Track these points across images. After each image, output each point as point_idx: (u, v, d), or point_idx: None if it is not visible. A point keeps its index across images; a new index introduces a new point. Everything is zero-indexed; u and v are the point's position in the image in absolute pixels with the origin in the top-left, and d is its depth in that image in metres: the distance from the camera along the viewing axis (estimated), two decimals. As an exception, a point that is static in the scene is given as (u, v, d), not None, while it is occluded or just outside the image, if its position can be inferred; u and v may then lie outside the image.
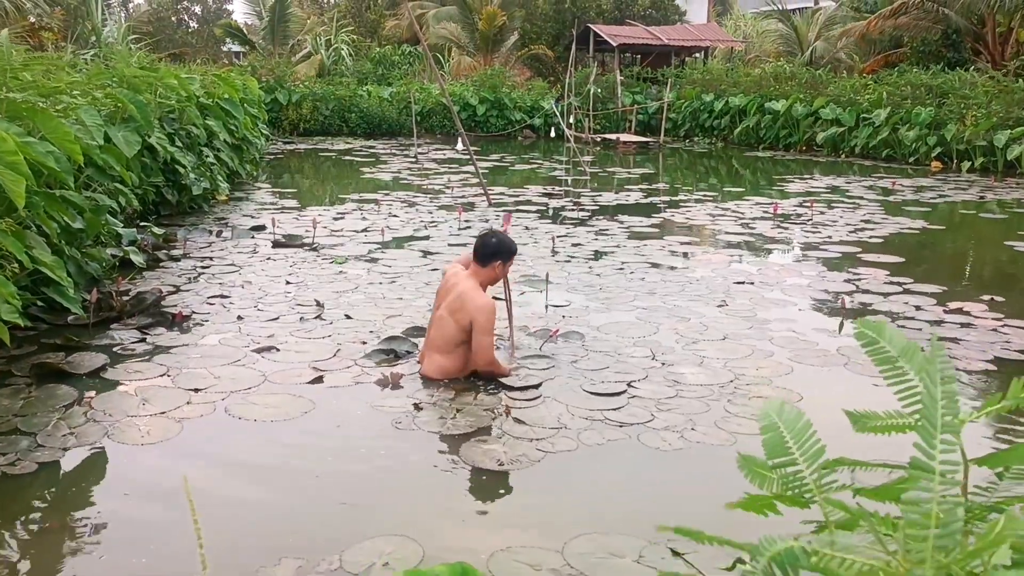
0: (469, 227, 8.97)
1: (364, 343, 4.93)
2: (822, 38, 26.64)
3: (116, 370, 4.44)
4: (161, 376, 4.36)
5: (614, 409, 4.00)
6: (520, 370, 4.46)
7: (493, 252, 4.33)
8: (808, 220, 9.88)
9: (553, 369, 4.53)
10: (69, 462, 3.45)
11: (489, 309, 4.16)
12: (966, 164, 15.34)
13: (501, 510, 3.13)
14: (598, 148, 19.97)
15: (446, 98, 11.75)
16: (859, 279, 6.92)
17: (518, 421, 3.85)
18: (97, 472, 3.40)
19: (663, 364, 4.66)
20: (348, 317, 5.49)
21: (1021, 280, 7.31)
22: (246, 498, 3.17)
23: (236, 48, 33.26)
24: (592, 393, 4.20)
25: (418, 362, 4.50)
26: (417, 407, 3.99)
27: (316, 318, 5.47)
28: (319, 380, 4.35)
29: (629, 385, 4.29)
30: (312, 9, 35.09)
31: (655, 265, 7.29)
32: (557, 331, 5.06)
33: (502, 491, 3.26)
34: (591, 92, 21.80)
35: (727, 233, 9.02)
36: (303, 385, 4.29)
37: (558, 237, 8.35)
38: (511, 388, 4.22)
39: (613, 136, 21.24)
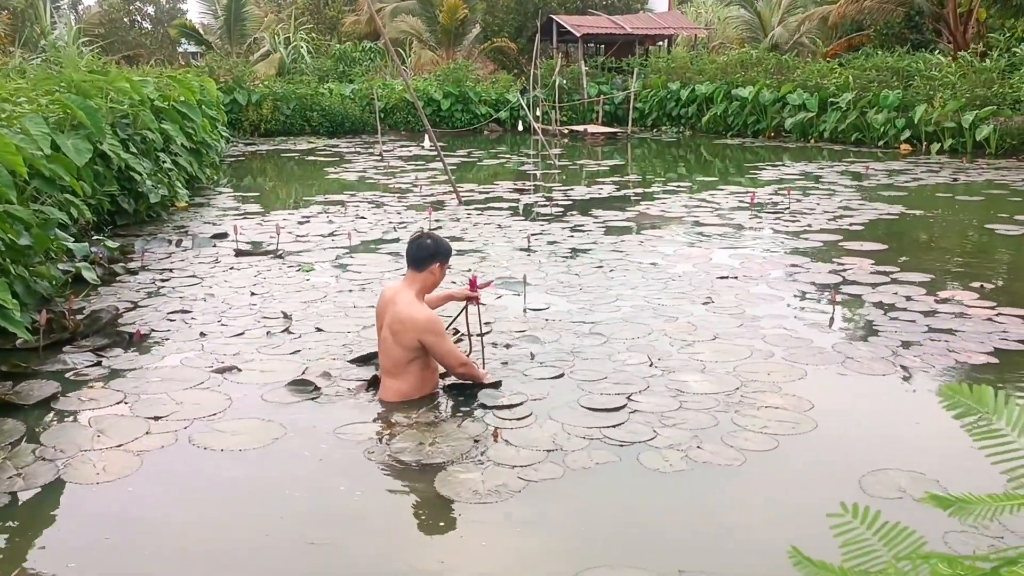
0: (440, 226, 8.81)
1: (335, 359, 4.73)
2: (783, 24, 26.67)
3: (69, 399, 4.18)
4: (118, 404, 4.12)
5: (614, 426, 3.80)
6: (502, 379, 4.31)
7: (430, 254, 4.11)
8: (786, 209, 9.79)
9: (547, 382, 4.35)
10: (16, 508, 3.17)
11: (431, 320, 4.00)
12: (936, 146, 15.37)
13: (476, 549, 2.89)
14: (566, 140, 19.82)
15: (411, 94, 11.50)
16: (844, 269, 6.80)
17: (508, 444, 3.64)
18: (46, 519, 3.12)
19: (663, 372, 4.50)
20: (318, 330, 5.31)
21: (1007, 265, 7.22)
22: (209, 538, 2.99)
23: (192, 48, 32.65)
24: (590, 409, 4.00)
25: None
26: (392, 433, 3.77)
27: (284, 332, 5.28)
28: (289, 401, 4.16)
29: (629, 398, 4.11)
30: (269, 7, 34.50)
31: (634, 261, 7.19)
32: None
33: (479, 527, 3.02)
34: (556, 84, 21.60)
35: (705, 225, 8.91)
36: (272, 408, 4.09)
37: (533, 235, 8.22)
38: (499, 407, 4.01)
39: (580, 128, 21.09)
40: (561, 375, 4.44)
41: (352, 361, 4.65)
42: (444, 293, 4.60)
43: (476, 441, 3.62)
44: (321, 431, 3.80)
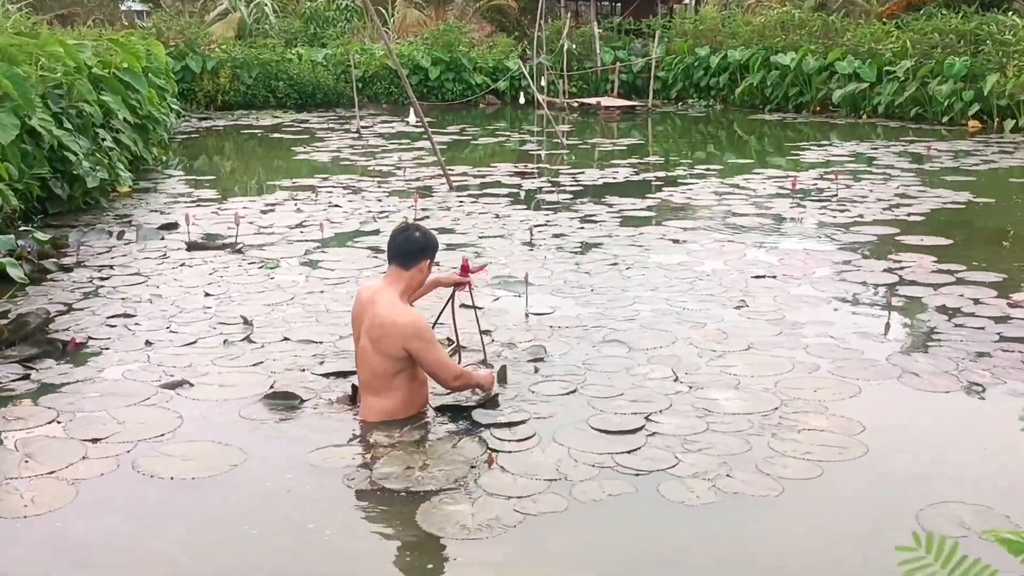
0: (427, 216, 8.82)
1: (304, 370, 4.76)
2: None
3: (-10, 418, 4.18)
4: (50, 423, 4.11)
5: (629, 451, 3.81)
6: (499, 392, 4.33)
7: (420, 248, 4.11)
8: (833, 196, 9.80)
9: (555, 399, 4.36)
10: (-71, 547, 3.16)
11: (417, 324, 4.00)
12: (1010, 123, 15.37)
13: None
14: (575, 115, 19.85)
15: (394, 60, 11.53)
16: (901, 268, 6.81)
17: (504, 471, 3.66)
18: (-35, 559, 3.12)
19: (689, 388, 4.52)
20: (285, 338, 5.32)
21: (1091, 262, 7.22)
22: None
23: (137, 7, 32.66)
24: (601, 431, 4.01)
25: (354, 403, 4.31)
26: (374, 456, 3.79)
27: (244, 340, 5.29)
28: (252, 421, 4.17)
29: (648, 419, 4.12)
30: (228, -43, 34.50)
31: (655, 257, 7.21)
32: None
33: (463, 569, 3.03)
34: (564, 49, 21.62)
35: (738, 215, 8.93)
36: (230, 429, 4.08)
37: (536, 226, 8.24)
38: (499, 426, 4.03)
39: (593, 100, 21.12)
40: (573, 391, 4.46)
41: (326, 375, 4.67)
42: (426, 288, 4.59)
43: (472, 467, 3.65)
44: (289, 456, 3.80)
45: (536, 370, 4.74)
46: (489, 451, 3.80)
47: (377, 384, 4.03)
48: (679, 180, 11.07)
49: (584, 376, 4.65)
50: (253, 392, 4.46)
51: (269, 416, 4.20)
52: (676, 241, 7.80)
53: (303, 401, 4.33)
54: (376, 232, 8.20)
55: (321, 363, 4.85)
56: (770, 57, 19.87)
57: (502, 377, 4.49)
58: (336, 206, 9.48)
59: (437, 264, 4.82)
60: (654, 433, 3.98)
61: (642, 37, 24.42)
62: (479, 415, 4.13)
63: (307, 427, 4.09)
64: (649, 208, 9.34)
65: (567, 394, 4.42)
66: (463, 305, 4.94)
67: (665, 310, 5.80)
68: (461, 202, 9.61)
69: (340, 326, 5.44)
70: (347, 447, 3.88)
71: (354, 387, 4.32)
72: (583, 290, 6.28)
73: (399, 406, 4.06)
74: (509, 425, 4.03)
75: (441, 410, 4.21)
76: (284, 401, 4.33)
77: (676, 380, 4.60)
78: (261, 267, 7.00)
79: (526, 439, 3.92)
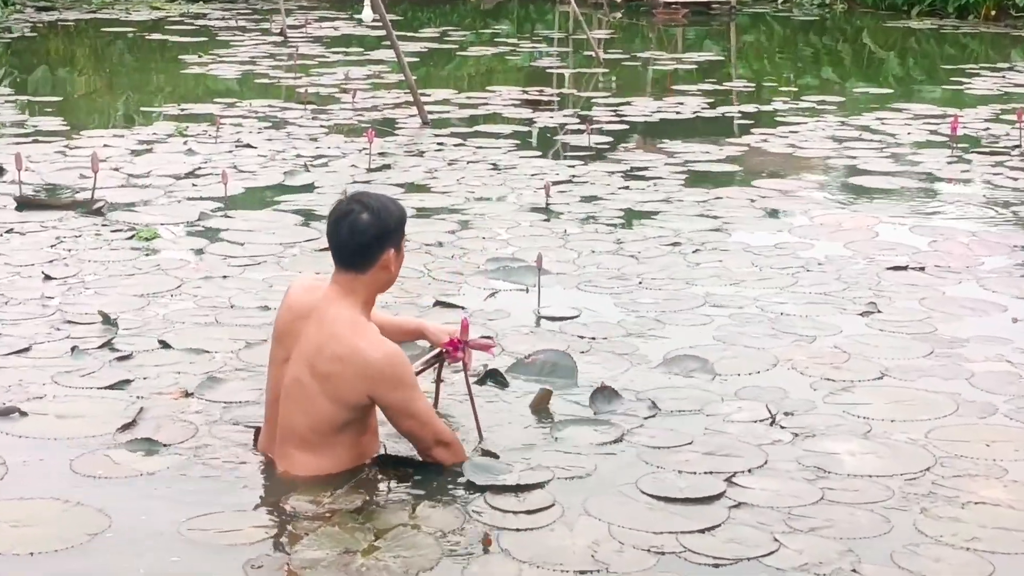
0: (388, 165, 8.83)
1: (190, 395, 4.78)
2: None
3: None
4: None
5: (702, 531, 3.76)
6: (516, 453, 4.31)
7: (375, 237, 4.03)
8: (1015, 148, 9.79)
9: (587, 451, 4.35)
10: None
11: (395, 363, 3.99)
12: None
13: None
14: (619, 15, 19.82)
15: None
16: (1116, 259, 6.84)
17: (508, 556, 3.60)
18: None
19: (795, 436, 4.51)
20: (164, 346, 5.32)
21: None
22: None
23: None
24: (659, 498, 3.98)
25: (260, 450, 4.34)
26: (295, 532, 3.75)
27: (102, 347, 5.29)
28: (113, 469, 4.14)
29: (731, 481, 4.10)
30: None
31: (739, 236, 7.24)
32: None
33: None
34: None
35: (867, 173, 8.92)
36: (82, 481, 4.05)
37: (555, 184, 8.20)
38: (498, 488, 4.00)
39: (646, -8, 21.11)
40: (617, 439, 4.45)
41: (225, 403, 4.68)
42: (405, 322, 4.64)
43: (452, 550, 3.61)
44: (169, 521, 3.77)
45: (545, 404, 4.75)
46: (484, 534, 3.75)
47: (314, 437, 4.05)
48: (777, 118, 11.05)
49: (634, 416, 4.64)
50: (116, 425, 4.45)
51: (136, 466, 4.17)
52: (771, 212, 7.80)
53: (164, 446, 4.29)
54: (310, 187, 8.22)
55: (214, 383, 4.87)
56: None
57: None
58: (248, 146, 9.51)
59: (408, 242, 4.64)
60: (740, 504, 3.95)
61: None
62: (471, 471, 4.09)
63: (194, 484, 4.07)
64: (730, 160, 9.31)
65: (607, 443, 4.41)
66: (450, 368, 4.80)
67: (754, 316, 5.81)
68: (440, 145, 9.59)
69: (250, 328, 5.43)
70: (251, 514, 3.86)
71: (259, 430, 4.34)
72: (627, 283, 6.28)
73: (338, 463, 4.10)
74: (517, 489, 4.00)
75: (396, 462, 4.20)
76: (146, 447, 4.30)
77: (773, 423, 4.60)
78: (131, 238, 6.99)
79: (543, 510, 3.88)
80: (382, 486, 4.07)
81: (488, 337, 5.02)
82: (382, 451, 4.26)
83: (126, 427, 4.46)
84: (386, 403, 4.00)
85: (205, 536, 3.72)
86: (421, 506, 3.91)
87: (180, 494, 3.99)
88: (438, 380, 4.66)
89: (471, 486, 4.03)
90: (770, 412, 4.67)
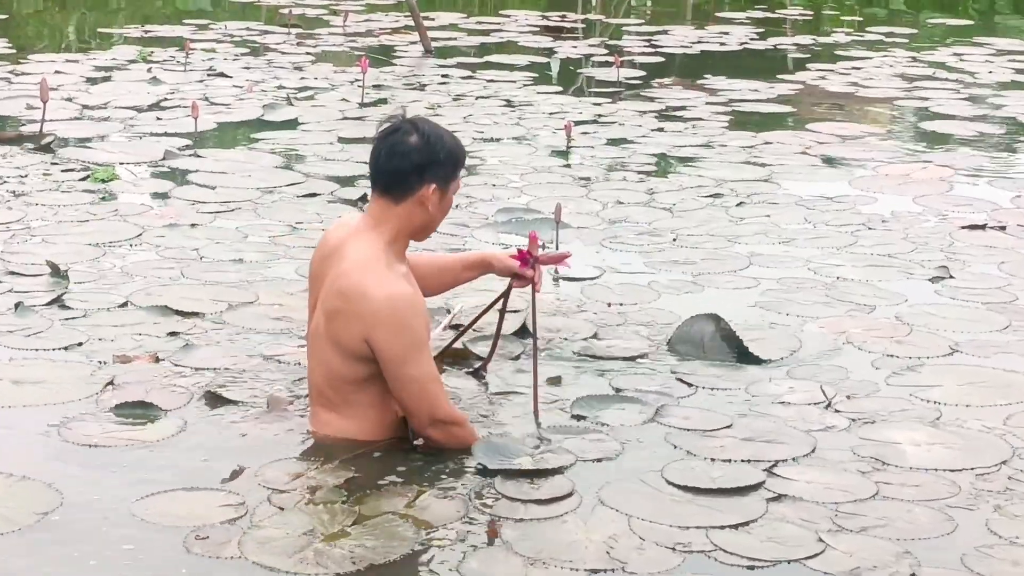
0: (383, 100, 8.80)
1: (159, 359, 4.67)
2: None
3: None
4: None
5: (736, 526, 3.59)
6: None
7: (416, 166, 3.92)
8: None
9: (608, 432, 4.22)
10: None
11: (398, 305, 3.88)
12: None
13: None
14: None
15: None
16: None
17: (511, 551, 3.44)
18: None
19: (851, 421, 4.33)
20: (124, 304, 5.23)
21: None
22: None
23: None
24: (687, 489, 3.81)
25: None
26: (272, 497, 3.66)
27: (51, 304, 5.18)
28: (70, 440, 4.02)
29: (772, 472, 3.93)
30: None
31: (789, 188, 7.22)
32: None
33: None
34: None
35: (940, 117, 8.96)
36: (34, 454, 3.95)
37: (578, 125, 8.08)
38: (513, 473, 3.86)
39: None
40: (647, 420, 4.33)
41: (196, 369, 4.61)
42: (462, 258, 4.62)
43: (445, 543, 3.50)
44: (126, 497, 3.65)
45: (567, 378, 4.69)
46: (490, 523, 3.64)
47: (330, 392, 4.04)
48: (837, 52, 11.21)
49: (664, 392, 4.51)
50: (73, 394, 4.34)
51: (100, 435, 4.04)
52: (828, 160, 7.78)
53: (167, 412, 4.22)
54: (293, 124, 8.19)
55: (185, 347, 4.75)
56: None
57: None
58: (221, 75, 9.64)
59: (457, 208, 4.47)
60: (781, 496, 3.79)
61: None
62: (483, 452, 3.98)
63: (146, 453, 3.97)
64: (781, 100, 9.32)
65: (631, 427, 4.26)
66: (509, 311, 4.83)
67: (806, 280, 5.71)
68: (445, 77, 9.69)
69: (222, 287, 5.39)
70: (230, 485, 3.75)
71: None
72: (659, 240, 6.22)
73: (365, 429, 4.06)
74: (532, 475, 3.84)
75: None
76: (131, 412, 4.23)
77: (828, 407, 4.43)
78: (85, 179, 6.98)
79: (556, 500, 3.73)
80: (385, 463, 3.95)
81: (563, 255, 4.83)
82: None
83: (85, 395, 4.33)
84: (383, 355, 3.85)
85: (140, 511, 3.60)
86: (422, 490, 3.80)
87: (144, 464, 3.90)
88: (500, 320, 4.59)
89: (484, 470, 3.91)
90: (825, 394, 4.51)
